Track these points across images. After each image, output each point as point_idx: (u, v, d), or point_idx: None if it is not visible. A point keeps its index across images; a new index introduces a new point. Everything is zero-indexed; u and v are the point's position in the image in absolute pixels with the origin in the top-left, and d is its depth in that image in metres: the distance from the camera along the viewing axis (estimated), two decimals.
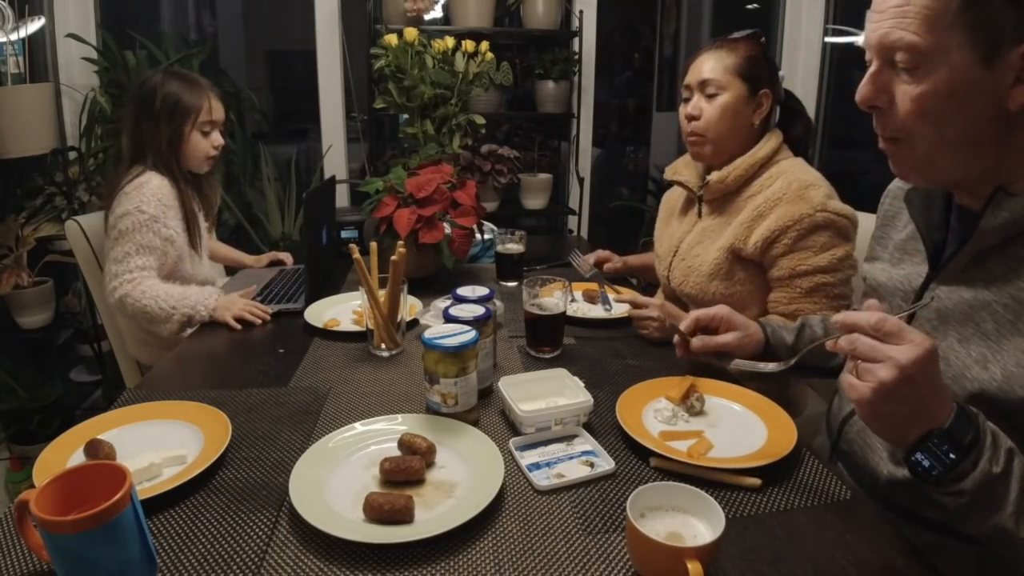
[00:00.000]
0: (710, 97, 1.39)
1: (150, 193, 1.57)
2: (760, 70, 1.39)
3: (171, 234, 1.61)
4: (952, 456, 0.67)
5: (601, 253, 1.79)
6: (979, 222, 0.78)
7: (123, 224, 1.56)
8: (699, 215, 1.51)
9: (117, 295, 1.55)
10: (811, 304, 1.30)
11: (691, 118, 1.42)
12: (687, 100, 1.44)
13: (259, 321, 1.45)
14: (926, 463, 0.68)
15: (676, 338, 1.12)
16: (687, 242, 1.50)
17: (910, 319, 0.89)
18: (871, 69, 0.77)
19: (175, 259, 1.66)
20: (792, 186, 1.31)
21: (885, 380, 0.65)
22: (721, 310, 1.10)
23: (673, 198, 1.67)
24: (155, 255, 1.58)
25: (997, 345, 0.75)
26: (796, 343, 1.13)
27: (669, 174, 1.59)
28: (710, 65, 1.39)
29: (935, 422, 0.68)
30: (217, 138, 1.70)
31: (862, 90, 0.78)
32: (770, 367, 0.93)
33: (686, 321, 1.10)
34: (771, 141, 1.40)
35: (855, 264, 1.31)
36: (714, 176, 1.41)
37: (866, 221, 1.60)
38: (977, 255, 0.80)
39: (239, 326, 1.44)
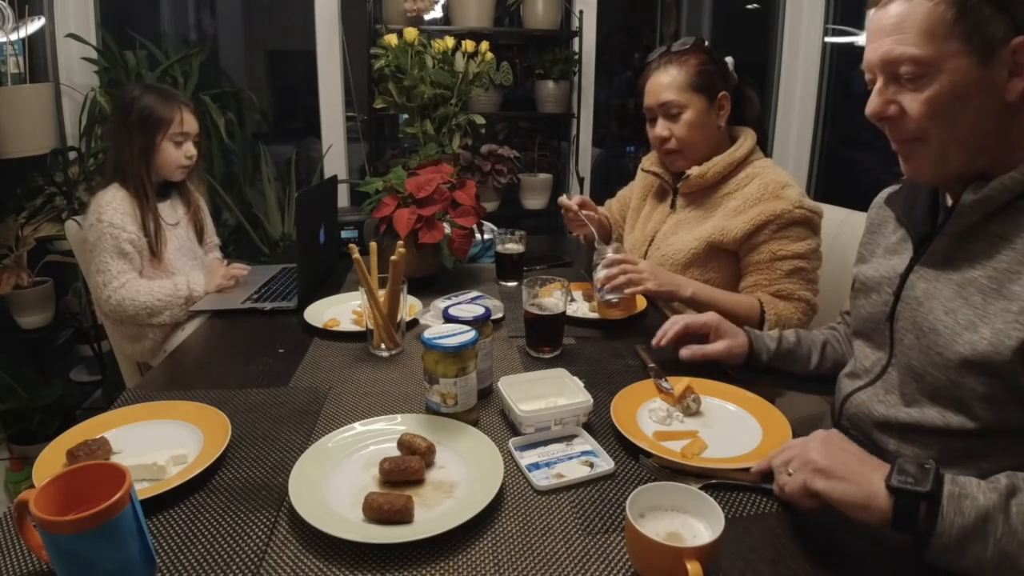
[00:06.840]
0: (674, 117, 1.47)
1: (105, 203, 1.65)
2: (713, 77, 1.46)
3: (133, 238, 1.67)
4: (926, 465, 0.66)
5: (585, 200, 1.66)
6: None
7: (91, 236, 1.65)
8: (672, 207, 1.59)
9: (113, 302, 1.63)
10: (792, 284, 1.39)
11: (662, 140, 1.50)
12: (652, 120, 1.52)
13: (244, 273, 1.74)
14: (910, 479, 0.65)
15: (660, 335, 1.17)
16: (662, 232, 1.58)
17: (894, 306, 0.93)
18: (877, 85, 0.83)
19: (142, 261, 1.72)
20: (769, 187, 1.41)
21: (811, 444, 0.72)
22: (711, 318, 1.16)
23: (647, 184, 1.71)
24: (127, 258, 1.66)
25: (984, 311, 0.79)
26: (777, 348, 1.17)
27: (647, 164, 1.67)
28: (665, 86, 1.46)
29: (885, 465, 0.69)
30: (189, 148, 1.75)
31: (872, 105, 0.83)
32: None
33: (673, 327, 1.15)
34: (747, 142, 1.49)
35: (821, 256, 1.44)
36: (695, 171, 1.49)
37: (863, 220, 1.62)
38: (959, 238, 0.85)
39: (232, 283, 1.69)
